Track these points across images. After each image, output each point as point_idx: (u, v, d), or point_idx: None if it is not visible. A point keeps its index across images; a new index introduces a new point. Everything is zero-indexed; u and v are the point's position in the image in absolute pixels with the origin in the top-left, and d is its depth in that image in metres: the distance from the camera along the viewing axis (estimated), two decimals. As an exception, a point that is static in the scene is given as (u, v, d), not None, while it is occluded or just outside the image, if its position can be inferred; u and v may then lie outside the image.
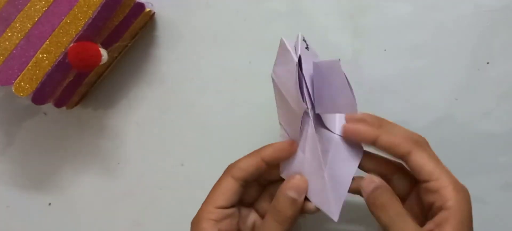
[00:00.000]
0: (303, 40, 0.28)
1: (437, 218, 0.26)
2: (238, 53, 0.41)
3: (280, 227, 0.27)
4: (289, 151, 0.29)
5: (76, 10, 0.35)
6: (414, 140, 0.28)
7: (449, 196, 0.26)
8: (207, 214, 0.28)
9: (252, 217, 0.31)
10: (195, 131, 0.41)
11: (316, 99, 0.28)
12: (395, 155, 0.28)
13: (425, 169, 0.27)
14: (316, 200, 0.28)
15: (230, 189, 0.29)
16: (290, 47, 0.27)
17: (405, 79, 0.39)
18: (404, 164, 0.29)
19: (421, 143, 0.28)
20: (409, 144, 0.28)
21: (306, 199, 0.29)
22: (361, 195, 0.29)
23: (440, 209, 0.26)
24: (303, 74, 0.27)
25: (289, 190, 0.27)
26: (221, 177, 0.30)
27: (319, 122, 0.29)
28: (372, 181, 0.27)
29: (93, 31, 0.36)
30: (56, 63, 0.35)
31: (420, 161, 0.27)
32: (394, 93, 0.39)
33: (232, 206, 0.29)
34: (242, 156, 0.40)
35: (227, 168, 0.30)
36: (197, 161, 0.41)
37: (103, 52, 0.36)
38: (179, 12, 0.42)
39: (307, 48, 0.28)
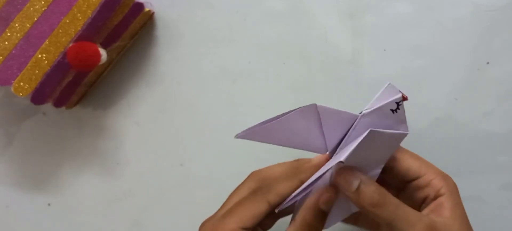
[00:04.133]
0: (397, 102, 0.26)
1: (433, 205, 0.27)
2: (238, 53, 0.41)
3: None
4: (334, 192, 0.27)
5: (75, 10, 0.35)
6: None
7: (440, 185, 0.27)
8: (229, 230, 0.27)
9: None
10: (195, 131, 0.41)
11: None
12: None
13: (413, 169, 0.28)
14: None
15: (262, 213, 0.27)
16: (383, 95, 0.26)
17: (405, 79, 0.39)
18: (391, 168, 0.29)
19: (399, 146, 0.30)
20: None
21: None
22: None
23: (435, 197, 0.28)
24: (356, 128, 0.26)
25: (323, 204, 0.27)
26: (255, 198, 0.28)
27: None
28: (355, 176, 0.26)
29: (93, 31, 0.36)
30: (55, 63, 0.35)
31: (406, 163, 0.29)
32: (394, 93, 0.39)
33: (254, 227, 0.28)
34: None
35: (261, 189, 0.28)
36: (197, 161, 0.41)
37: (103, 52, 0.36)
38: (178, 12, 0.42)
39: (395, 110, 0.26)
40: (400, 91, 0.26)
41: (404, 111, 0.26)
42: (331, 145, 0.27)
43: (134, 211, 0.42)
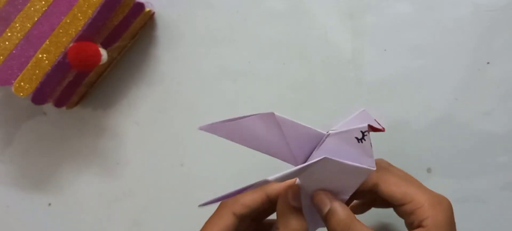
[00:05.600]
0: (362, 132, 0.25)
1: None
2: (238, 53, 0.41)
3: None
4: (296, 186, 0.28)
5: (75, 10, 0.35)
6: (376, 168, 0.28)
7: (425, 215, 0.26)
8: None
9: None
10: (195, 131, 0.41)
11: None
12: (364, 190, 0.28)
13: (396, 195, 0.27)
14: None
15: (229, 225, 0.27)
16: (354, 119, 0.25)
17: (405, 79, 0.39)
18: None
19: (384, 167, 0.29)
20: (373, 174, 0.27)
21: None
22: None
23: (418, 226, 0.26)
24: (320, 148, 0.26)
25: (292, 201, 0.27)
26: (220, 211, 0.28)
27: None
28: (326, 202, 0.26)
29: (93, 31, 0.36)
30: (55, 63, 0.35)
31: (389, 188, 0.27)
32: (394, 93, 0.39)
33: None
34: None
35: (227, 203, 0.28)
36: (197, 161, 0.41)
37: (103, 52, 0.36)
38: (179, 12, 0.42)
39: (360, 140, 0.25)
40: (375, 120, 0.26)
41: (371, 145, 0.25)
42: (299, 157, 0.26)
43: (134, 211, 0.42)
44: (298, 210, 0.27)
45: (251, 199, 0.28)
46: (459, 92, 0.38)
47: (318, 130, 0.25)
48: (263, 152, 0.26)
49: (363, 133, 0.25)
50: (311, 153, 0.26)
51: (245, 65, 0.41)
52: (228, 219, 0.27)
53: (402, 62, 0.39)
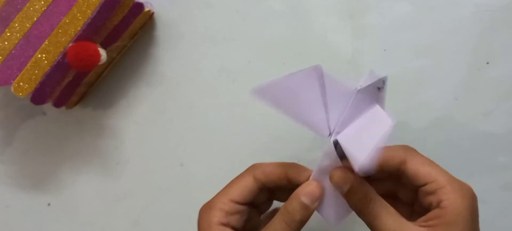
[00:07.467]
0: (383, 80, 0.27)
1: (429, 214, 0.26)
2: (238, 53, 0.41)
3: (288, 228, 0.27)
4: (318, 187, 0.28)
5: (75, 10, 0.35)
6: (404, 148, 0.29)
7: (445, 196, 0.26)
8: (220, 204, 0.28)
9: (257, 219, 0.32)
10: (194, 131, 0.41)
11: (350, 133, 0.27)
12: (390, 167, 0.28)
13: (422, 173, 0.27)
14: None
15: (248, 187, 0.29)
16: (368, 79, 0.27)
17: (405, 79, 0.39)
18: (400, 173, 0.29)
19: (412, 149, 0.29)
20: (401, 152, 0.28)
21: None
22: None
23: (436, 207, 0.27)
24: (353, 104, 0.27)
25: (303, 195, 0.27)
26: (243, 173, 0.30)
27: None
28: (345, 180, 0.27)
29: (92, 31, 0.36)
30: (55, 63, 0.35)
31: (415, 166, 0.28)
32: (394, 93, 0.39)
33: (245, 203, 0.29)
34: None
35: (251, 167, 0.30)
36: (196, 161, 0.41)
37: (102, 52, 0.36)
38: (178, 12, 0.42)
39: (381, 89, 0.27)
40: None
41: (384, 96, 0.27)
42: (332, 118, 0.27)
43: (134, 211, 0.42)
44: (304, 205, 0.28)
45: (271, 170, 0.29)
46: (459, 92, 0.38)
47: (351, 87, 0.26)
48: (299, 121, 0.27)
49: (384, 81, 0.27)
50: (343, 112, 0.27)
51: (245, 65, 0.41)
52: (248, 180, 0.29)
53: (402, 62, 0.39)
